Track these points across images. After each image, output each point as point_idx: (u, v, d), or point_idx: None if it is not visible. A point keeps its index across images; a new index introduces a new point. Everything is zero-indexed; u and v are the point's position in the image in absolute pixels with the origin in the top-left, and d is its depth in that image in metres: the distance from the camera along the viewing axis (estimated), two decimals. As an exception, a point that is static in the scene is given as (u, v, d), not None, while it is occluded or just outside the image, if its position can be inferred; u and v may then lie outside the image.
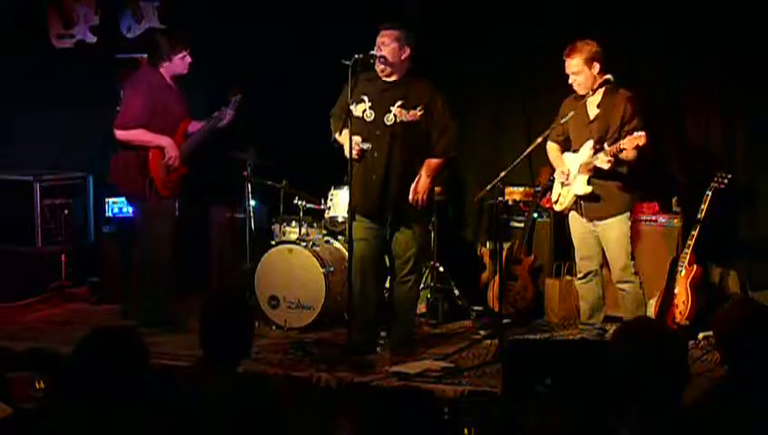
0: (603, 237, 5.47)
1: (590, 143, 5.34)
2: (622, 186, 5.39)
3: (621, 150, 5.18)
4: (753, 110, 6.31)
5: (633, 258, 5.49)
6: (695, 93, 6.36)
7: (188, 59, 6.03)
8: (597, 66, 5.35)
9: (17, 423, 3.61)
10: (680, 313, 5.72)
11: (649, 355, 2.62)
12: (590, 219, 5.47)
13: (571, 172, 5.48)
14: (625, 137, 5.20)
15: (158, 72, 6.02)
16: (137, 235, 6.21)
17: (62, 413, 2.83)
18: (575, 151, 5.52)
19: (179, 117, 6.09)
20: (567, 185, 5.50)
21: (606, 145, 5.28)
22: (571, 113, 5.35)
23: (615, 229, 5.42)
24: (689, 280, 5.75)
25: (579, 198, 5.46)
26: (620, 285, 5.48)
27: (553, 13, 6.61)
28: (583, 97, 5.45)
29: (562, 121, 5.44)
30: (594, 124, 5.41)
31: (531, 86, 6.89)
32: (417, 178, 5.36)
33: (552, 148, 5.67)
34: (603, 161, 5.24)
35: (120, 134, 5.96)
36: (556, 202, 5.64)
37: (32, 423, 2.96)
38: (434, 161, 5.41)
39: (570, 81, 5.41)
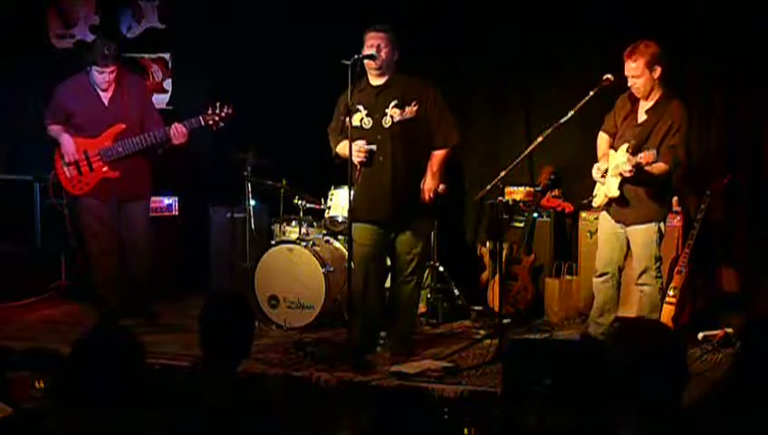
0: (630, 240, 5.35)
1: (626, 146, 5.15)
2: (651, 195, 5.20)
3: (640, 164, 4.99)
4: (755, 110, 6.31)
5: (659, 263, 5.34)
6: (697, 93, 6.35)
7: (106, 76, 5.95)
8: (659, 70, 5.10)
9: (17, 423, 3.61)
10: (680, 312, 5.72)
11: (649, 355, 2.62)
12: (618, 221, 5.35)
13: (608, 172, 5.27)
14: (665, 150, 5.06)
15: (85, 75, 6.05)
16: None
17: (62, 413, 2.83)
18: (615, 150, 5.30)
19: (108, 120, 6.01)
20: (603, 183, 5.34)
21: (639, 153, 5.05)
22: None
23: (641, 236, 5.27)
24: (689, 280, 5.74)
25: (609, 199, 5.35)
26: (639, 287, 5.42)
27: (554, 12, 6.61)
28: (638, 98, 5.24)
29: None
30: (639, 129, 5.20)
31: (531, 86, 6.89)
32: (424, 178, 5.34)
33: (602, 138, 5.43)
34: (625, 170, 5.05)
35: (48, 131, 6.14)
36: (594, 197, 5.50)
37: (32, 423, 2.96)
38: (438, 154, 5.37)
39: (628, 83, 5.16)
